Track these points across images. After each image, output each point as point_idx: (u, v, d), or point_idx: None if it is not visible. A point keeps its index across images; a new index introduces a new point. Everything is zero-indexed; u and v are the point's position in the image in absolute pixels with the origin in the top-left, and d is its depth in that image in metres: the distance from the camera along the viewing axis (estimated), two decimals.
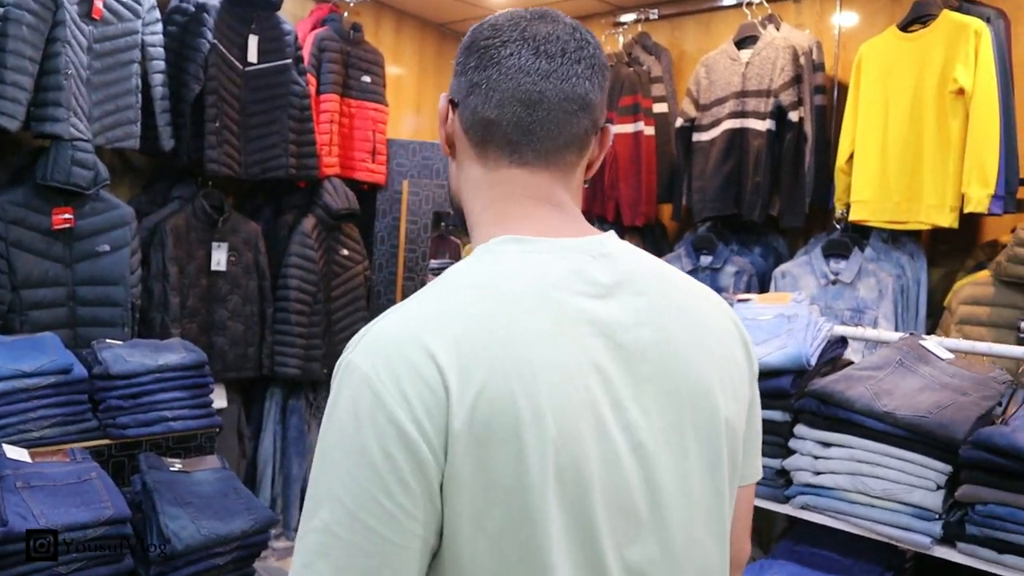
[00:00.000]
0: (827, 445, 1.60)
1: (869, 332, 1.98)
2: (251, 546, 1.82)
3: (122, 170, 3.00)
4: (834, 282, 2.91)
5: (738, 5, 3.34)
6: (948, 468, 1.46)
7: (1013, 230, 2.68)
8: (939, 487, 1.47)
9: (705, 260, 3.23)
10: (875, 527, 1.53)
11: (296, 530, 3.46)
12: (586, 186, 0.82)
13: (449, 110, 0.79)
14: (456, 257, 4.32)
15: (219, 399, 3.07)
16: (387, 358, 0.62)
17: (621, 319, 0.69)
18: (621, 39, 3.66)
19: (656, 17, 3.63)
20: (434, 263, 4.08)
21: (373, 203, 3.75)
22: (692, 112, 3.30)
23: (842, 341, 1.87)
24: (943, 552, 1.47)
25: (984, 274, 2.63)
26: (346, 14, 3.60)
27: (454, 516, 0.61)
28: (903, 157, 2.76)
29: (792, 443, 1.67)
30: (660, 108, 3.49)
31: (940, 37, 2.70)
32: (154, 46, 2.73)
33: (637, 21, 3.64)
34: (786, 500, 1.67)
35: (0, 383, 1.83)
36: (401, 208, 3.75)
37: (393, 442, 0.60)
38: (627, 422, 0.67)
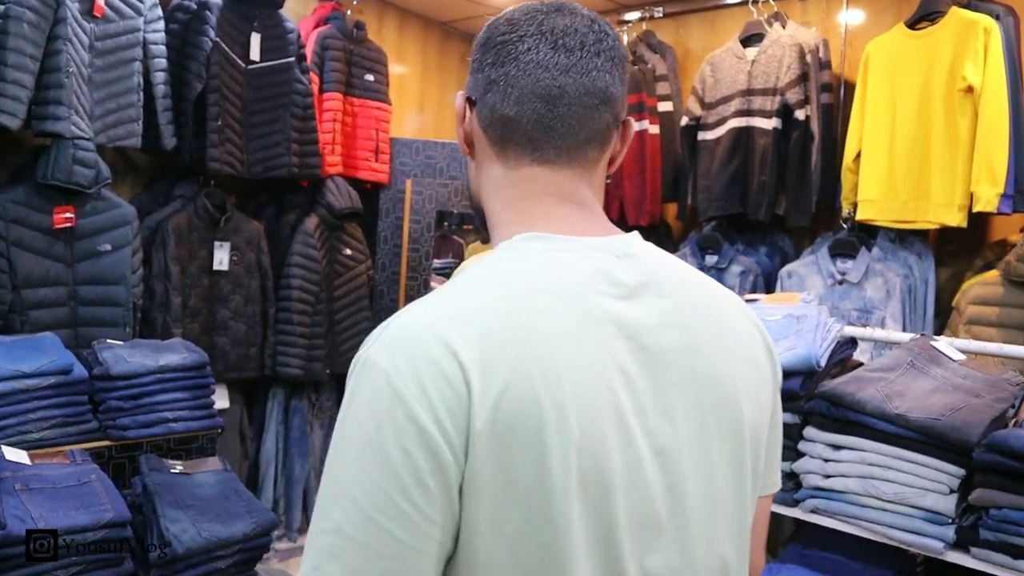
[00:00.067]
0: (837, 448, 1.58)
1: (878, 333, 1.96)
2: (253, 549, 1.80)
3: (124, 169, 2.98)
4: (841, 282, 2.88)
5: (744, 3, 3.32)
6: (961, 472, 1.43)
7: (1022, 229, 2.65)
8: (952, 491, 1.44)
9: (710, 260, 3.21)
10: (887, 531, 1.50)
11: (299, 531, 3.45)
12: (608, 181, 0.80)
13: (466, 108, 0.78)
14: (459, 257, 4.31)
15: (221, 399, 3.05)
16: (408, 354, 0.60)
17: (645, 321, 0.68)
18: (626, 37, 3.64)
19: (661, 15, 3.61)
20: (437, 263, 4.06)
21: (376, 202, 3.73)
22: (697, 111, 3.28)
23: (852, 342, 1.85)
24: (956, 557, 1.44)
25: (993, 274, 2.61)
26: (349, 12, 3.58)
27: (472, 518, 0.59)
28: (911, 156, 2.74)
29: (801, 445, 1.65)
30: (665, 107, 3.46)
31: (949, 34, 2.68)
32: (156, 44, 2.71)
33: (642, 19, 3.62)
34: (795, 503, 1.64)
35: None
36: (404, 207, 3.73)
37: (413, 441, 0.58)
38: (650, 427, 0.66)
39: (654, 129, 3.42)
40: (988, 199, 2.54)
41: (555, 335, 0.62)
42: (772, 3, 3.19)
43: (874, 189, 2.82)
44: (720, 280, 3.15)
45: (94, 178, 2.40)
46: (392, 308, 3.76)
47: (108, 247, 2.51)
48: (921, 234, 2.89)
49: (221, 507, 1.79)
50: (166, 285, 2.84)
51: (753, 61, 3.10)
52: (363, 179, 3.59)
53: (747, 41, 3.18)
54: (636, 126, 3.40)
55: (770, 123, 3.04)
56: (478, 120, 0.76)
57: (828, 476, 1.59)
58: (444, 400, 0.59)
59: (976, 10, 2.66)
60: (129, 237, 2.54)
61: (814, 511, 1.61)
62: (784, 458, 1.65)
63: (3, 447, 1.68)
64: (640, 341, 0.67)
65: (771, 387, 0.76)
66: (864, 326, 2.71)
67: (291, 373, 3.27)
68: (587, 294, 0.66)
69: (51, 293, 2.39)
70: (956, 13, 2.68)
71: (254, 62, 3.05)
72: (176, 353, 2.15)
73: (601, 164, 0.77)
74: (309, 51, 3.33)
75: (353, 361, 0.64)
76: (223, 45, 2.89)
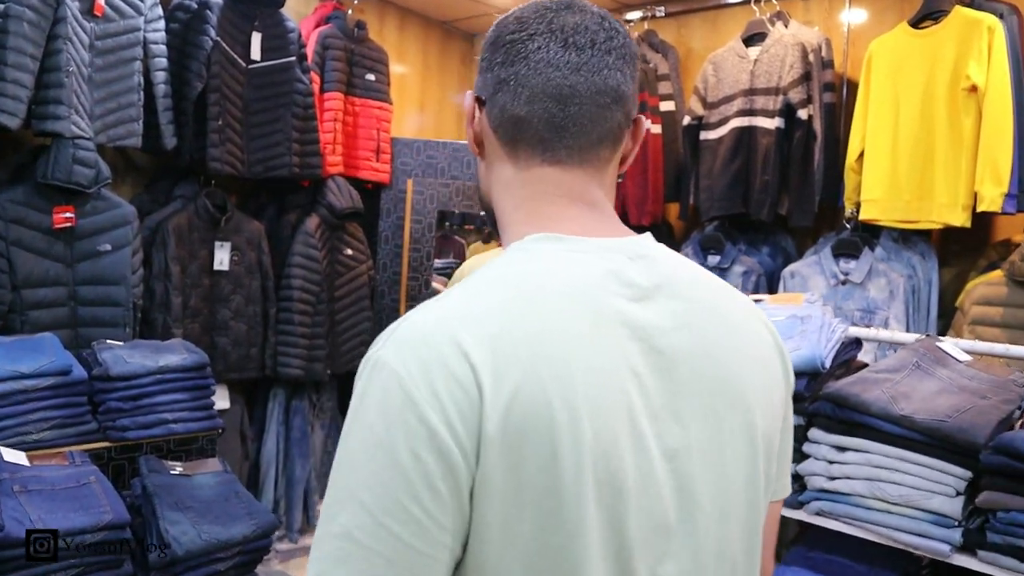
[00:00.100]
0: (842, 449, 1.56)
1: (883, 333, 1.94)
2: (253, 551, 1.79)
3: (124, 169, 2.97)
4: (844, 282, 2.87)
5: (745, 2, 3.30)
6: (968, 474, 1.42)
7: None
8: (958, 493, 1.43)
9: (713, 260, 3.19)
10: (892, 534, 1.49)
11: (300, 532, 3.44)
12: (620, 180, 0.79)
13: (476, 108, 0.77)
14: (461, 257, 4.29)
15: (221, 400, 3.04)
16: (419, 355, 0.59)
17: (659, 323, 0.66)
18: None
19: (663, 15, 3.60)
20: (438, 263, 4.05)
21: (377, 202, 3.72)
22: (699, 110, 3.27)
23: (856, 343, 1.84)
24: (963, 560, 1.43)
25: (997, 274, 2.59)
26: (350, 11, 3.57)
27: (482, 522, 0.58)
28: (914, 155, 2.72)
29: (806, 447, 1.63)
30: (667, 106, 3.45)
31: (952, 33, 2.66)
32: (156, 43, 2.71)
33: (644, 19, 3.61)
34: (800, 506, 1.63)
35: None
36: (405, 207, 3.72)
37: (423, 444, 0.57)
38: (662, 431, 0.64)
39: (656, 129, 3.41)
40: (992, 199, 2.53)
41: (567, 337, 0.61)
42: (774, 2, 3.18)
43: (877, 189, 2.80)
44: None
45: (94, 178, 2.39)
46: (393, 308, 3.76)
47: (108, 247, 2.50)
48: (924, 234, 2.88)
49: (221, 509, 1.78)
50: (166, 285, 2.83)
51: (756, 60, 3.09)
52: (364, 179, 3.58)
53: (749, 40, 3.17)
54: None
55: (773, 123, 3.03)
56: (488, 120, 0.75)
57: (833, 478, 1.57)
58: (455, 402, 0.58)
59: (980, 9, 2.65)
60: (129, 237, 2.53)
61: (819, 513, 1.60)
62: None
63: (2, 448, 1.67)
64: (653, 344, 0.66)
65: (783, 391, 0.75)
66: (867, 326, 2.69)
67: (292, 373, 3.26)
68: (600, 295, 0.65)
69: (51, 293, 2.38)
70: (960, 12, 2.66)
71: (255, 61, 3.04)
72: (176, 354, 2.14)
73: (613, 163, 0.76)
74: (310, 50, 3.32)
75: (362, 362, 0.63)
76: (224, 44, 2.88)
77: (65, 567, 1.48)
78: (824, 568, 1.66)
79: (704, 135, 3.25)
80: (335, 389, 3.67)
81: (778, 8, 3.17)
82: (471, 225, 4.45)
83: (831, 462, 1.58)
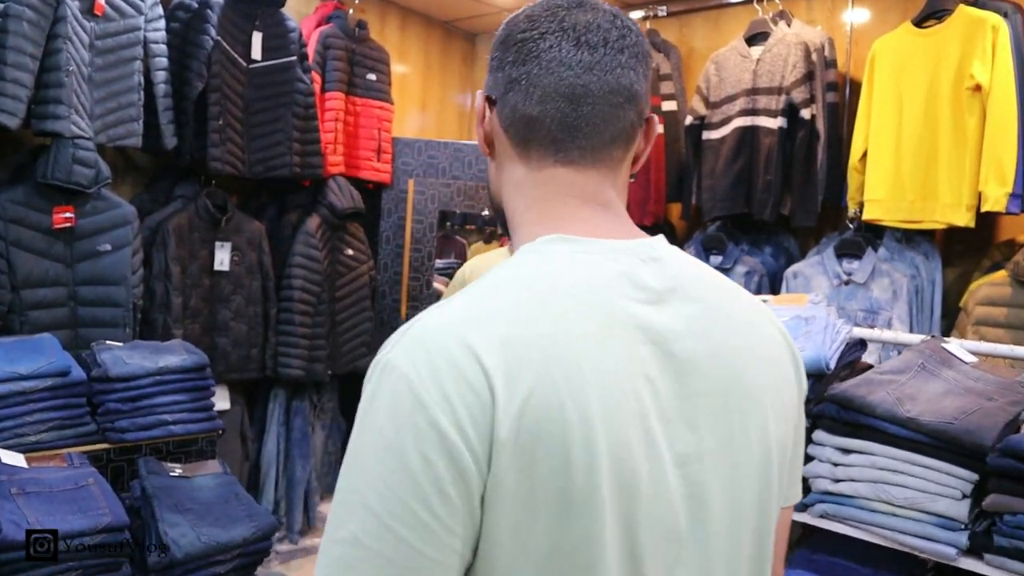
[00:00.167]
0: (847, 452, 1.55)
1: (887, 334, 1.93)
2: (253, 553, 1.77)
3: (124, 168, 2.97)
4: (847, 282, 2.86)
5: (748, 2, 3.29)
6: (974, 476, 1.41)
7: None
8: (965, 496, 1.41)
9: (715, 260, 3.18)
10: (898, 537, 1.48)
11: (300, 533, 3.43)
12: (632, 180, 0.78)
13: (486, 108, 0.76)
14: (462, 257, 4.28)
15: (222, 401, 3.03)
16: (429, 358, 0.58)
17: (672, 327, 0.65)
18: None
19: (664, 14, 3.59)
20: (440, 263, 4.04)
21: (378, 202, 3.71)
22: (702, 110, 3.25)
23: (861, 344, 1.82)
24: (969, 564, 1.42)
25: (1001, 274, 2.58)
26: (351, 11, 3.56)
27: (493, 528, 0.57)
28: (918, 155, 2.71)
29: (810, 449, 1.62)
30: (669, 106, 3.44)
31: (956, 32, 2.65)
32: (157, 43, 2.70)
33: (646, 18, 3.59)
34: (804, 508, 1.62)
35: None
36: (406, 207, 3.71)
37: (434, 448, 0.56)
38: (674, 437, 0.63)
39: (658, 128, 3.40)
40: (997, 199, 2.52)
41: (581, 341, 0.60)
42: (777, 1, 3.17)
43: (880, 189, 2.79)
44: None
45: (94, 178, 2.39)
46: (394, 309, 3.74)
47: (108, 247, 2.49)
48: (928, 234, 2.87)
49: (221, 511, 1.77)
50: (166, 286, 2.82)
51: (758, 60, 3.08)
52: (365, 179, 3.58)
53: (752, 40, 3.16)
54: None
55: (775, 122, 3.01)
56: (499, 120, 0.74)
57: (838, 480, 1.56)
58: (467, 406, 0.57)
59: (984, 8, 2.64)
60: (129, 237, 2.52)
61: (823, 516, 1.59)
62: None
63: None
64: (667, 348, 0.65)
65: (796, 396, 0.74)
66: (870, 327, 2.68)
67: (292, 374, 3.25)
68: (613, 298, 0.64)
69: (50, 293, 2.37)
70: (964, 11, 2.65)
71: (256, 61, 3.03)
72: (175, 355, 2.12)
73: (625, 164, 0.75)
74: (311, 50, 3.31)
75: (372, 365, 0.62)
76: (224, 44, 2.87)
77: (63, 570, 1.46)
78: (828, 571, 1.64)
79: (706, 135, 3.23)
80: (336, 390, 3.66)
81: (780, 7, 3.16)
82: (472, 225, 4.44)
83: (836, 464, 1.57)
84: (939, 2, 2.71)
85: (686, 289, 0.68)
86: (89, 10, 2.45)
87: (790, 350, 0.75)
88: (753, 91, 3.08)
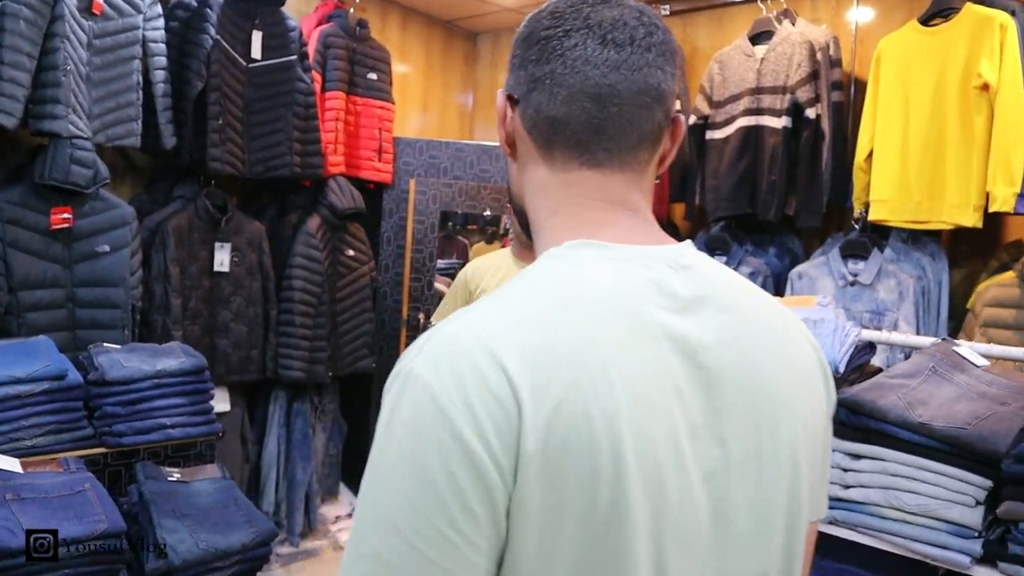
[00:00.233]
0: (857, 457, 1.52)
1: (896, 336, 1.90)
2: (252, 560, 1.75)
3: (123, 169, 2.94)
4: (852, 283, 2.83)
5: (751, 0, 3.26)
6: (988, 483, 1.38)
7: None
8: (978, 503, 1.38)
9: (719, 261, 3.14)
10: (909, 544, 1.45)
11: (301, 536, 3.41)
12: (657, 181, 0.75)
13: (507, 107, 0.73)
14: (463, 257, 4.25)
15: (222, 403, 3.01)
16: (453, 367, 0.56)
17: (702, 338, 0.63)
18: None
19: (667, 13, 3.56)
20: (441, 263, 4.01)
21: (379, 202, 3.69)
22: (705, 110, 3.23)
23: (870, 347, 1.79)
24: (983, 573, 1.39)
25: (1009, 275, 2.55)
26: (352, 10, 3.54)
27: (518, 542, 0.55)
28: (924, 155, 2.68)
29: None
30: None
31: (963, 31, 2.62)
32: (155, 42, 2.67)
33: None
34: None
35: None
36: (408, 208, 3.69)
37: (457, 462, 0.54)
38: (701, 451, 0.61)
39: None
40: (1005, 199, 2.49)
41: (609, 350, 0.58)
42: (781, 0, 3.14)
43: (887, 189, 2.76)
44: None
45: (92, 178, 2.36)
46: (395, 310, 3.72)
47: (107, 248, 2.47)
48: (934, 234, 2.84)
49: (219, 516, 1.74)
50: (166, 287, 2.80)
51: (762, 59, 3.05)
52: (366, 179, 3.55)
53: (756, 39, 3.13)
54: None
55: (780, 122, 2.99)
56: (521, 120, 0.71)
57: (848, 487, 1.53)
58: (492, 418, 0.55)
59: (992, 6, 2.61)
60: (128, 238, 2.49)
61: (832, 522, 1.56)
62: None
63: None
64: (696, 359, 0.62)
65: (824, 408, 0.72)
66: (876, 328, 2.65)
67: (293, 376, 3.22)
68: (642, 307, 0.62)
69: (48, 295, 2.35)
70: (971, 9, 2.62)
71: (255, 60, 3.00)
72: (174, 357, 2.10)
73: (652, 166, 0.72)
74: (311, 49, 3.28)
75: (392, 374, 0.60)
76: (224, 43, 2.84)
77: None
78: None
79: (710, 134, 3.21)
80: (337, 391, 3.64)
81: (784, 6, 3.13)
82: (474, 225, 4.42)
83: (845, 470, 1.54)
84: (946, 0, 2.68)
85: (716, 297, 0.66)
86: (87, 9, 2.42)
87: (819, 361, 0.73)
88: (757, 90, 3.05)
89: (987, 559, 1.40)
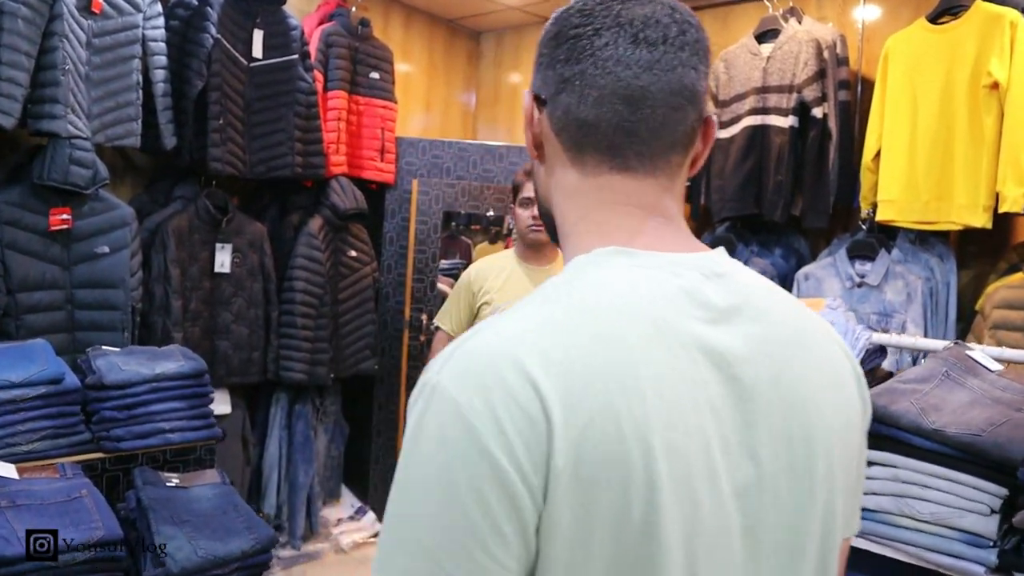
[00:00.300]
0: (868, 464, 1.49)
1: (906, 339, 1.87)
2: (252, 567, 1.72)
3: (123, 169, 2.92)
4: (859, 285, 2.80)
5: None
6: (1003, 491, 1.35)
7: None
8: (993, 511, 1.36)
9: None
10: (922, 553, 1.42)
11: (302, 539, 3.38)
12: (688, 184, 0.73)
13: (535, 108, 0.71)
14: (467, 258, 4.23)
15: (223, 405, 2.99)
16: (480, 381, 0.54)
17: (736, 349, 0.61)
18: None
19: None
20: (444, 264, 3.99)
21: (382, 203, 3.66)
22: (711, 109, 3.20)
23: (881, 350, 1.76)
24: None
25: (1018, 277, 2.53)
26: (354, 9, 3.51)
27: (548, 561, 0.54)
28: (932, 154, 2.65)
29: None
30: None
31: (973, 29, 2.59)
32: (155, 41, 2.65)
33: None
34: None
35: None
36: (410, 208, 3.66)
37: (486, 481, 0.52)
38: (734, 466, 0.59)
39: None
40: (1015, 199, 2.45)
41: (643, 364, 0.56)
42: None
43: (894, 189, 2.73)
44: None
45: (91, 178, 2.34)
46: (398, 311, 3.69)
47: (106, 249, 2.44)
48: (942, 235, 2.81)
49: (219, 523, 1.72)
50: (166, 288, 2.77)
51: (768, 58, 3.02)
52: (368, 179, 3.53)
53: (762, 37, 3.10)
54: None
55: (786, 121, 2.96)
56: (550, 122, 0.69)
57: None
58: (521, 434, 0.53)
59: (1001, 3, 2.57)
60: (128, 239, 2.47)
61: None
62: None
63: None
64: (730, 372, 0.60)
65: (860, 422, 0.70)
66: (884, 330, 2.62)
67: (295, 378, 3.20)
68: (676, 318, 0.60)
69: (47, 297, 2.32)
70: (980, 7, 2.59)
71: (256, 60, 2.98)
72: (173, 361, 2.07)
73: (684, 169, 0.70)
74: (313, 48, 3.26)
75: (417, 387, 0.58)
76: (225, 42, 2.82)
77: None
78: None
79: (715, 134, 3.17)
80: (339, 393, 3.62)
81: (791, 4, 3.10)
82: (478, 225, 4.39)
83: None
84: None
85: (750, 307, 0.64)
86: (86, 8, 2.40)
87: (853, 371, 0.70)
88: (763, 89, 3.02)
89: (1002, 569, 1.37)
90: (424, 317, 3.63)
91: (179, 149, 2.77)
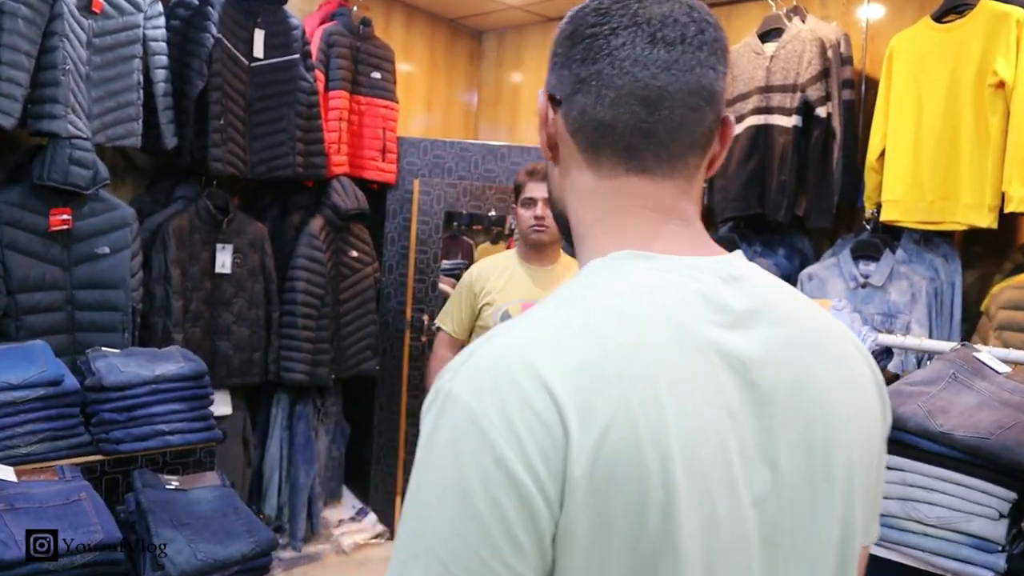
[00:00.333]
0: None
1: (911, 341, 1.85)
2: (252, 570, 1.71)
3: (124, 169, 2.91)
4: (864, 285, 2.78)
5: None
6: (1012, 495, 1.33)
7: None
8: (1002, 516, 1.34)
9: None
10: (929, 558, 1.40)
11: (303, 540, 3.37)
12: (705, 186, 0.71)
13: (549, 108, 0.70)
14: (468, 258, 4.21)
15: (223, 406, 2.98)
16: (495, 389, 0.54)
17: (754, 354, 0.60)
18: None
19: None
20: (446, 264, 3.97)
21: (383, 203, 3.65)
22: None
23: (887, 352, 1.75)
24: None
25: None
26: (355, 8, 3.50)
27: (565, 572, 0.53)
28: (937, 154, 2.64)
29: None
30: None
31: (978, 28, 2.57)
32: (156, 40, 2.64)
33: None
34: None
35: None
36: (412, 208, 3.65)
37: (501, 490, 0.51)
38: (752, 474, 0.58)
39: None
40: (1021, 199, 2.44)
41: (659, 369, 0.55)
42: None
43: (899, 188, 2.71)
44: None
45: (92, 179, 2.33)
46: (399, 311, 3.68)
47: (106, 250, 2.43)
48: (946, 235, 2.79)
49: (219, 526, 1.71)
50: (166, 289, 2.76)
51: (772, 57, 3.00)
52: (370, 179, 3.52)
53: (765, 36, 3.08)
54: None
55: (790, 121, 2.94)
56: (565, 123, 0.68)
57: None
58: (537, 442, 0.52)
59: (1008, 1, 2.56)
60: (128, 239, 2.46)
61: None
62: None
63: None
64: (748, 377, 0.59)
65: (880, 428, 0.68)
66: (888, 331, 2.60)
67: (295, 379, 3.19)
68: (693, 322, 0.59)
69: (47, 297, 2.31)
70: (986, 5, 2.57)
71: (257, 59, 2.97)
72: (173, 362, 2.06)
73: (701, 171, 0.69)
74: (314, 48, 3.25)
75: (431, 394, 0.57)
76: (225, 42, 2.81)
77: None
78: None
79: None
80: (340, 394, 3.61)
81: (794, 3, 3.08)
82: (479, 225, 4.38)
83: None
84: None
85: (768, 311, 0.63)
86: (87, 7, 2.39)
87: (874, 377, 0.69)
88: (767, 89, 3.00)
89: (1011, 574, 1.35)
90: (425, 318, 3.62)
91: (180, 149, 2.76)
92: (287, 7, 3.07)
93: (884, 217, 2.75)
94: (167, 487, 1.77)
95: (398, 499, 3.62)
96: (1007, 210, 2.48)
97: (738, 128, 3.08)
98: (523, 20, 4.18)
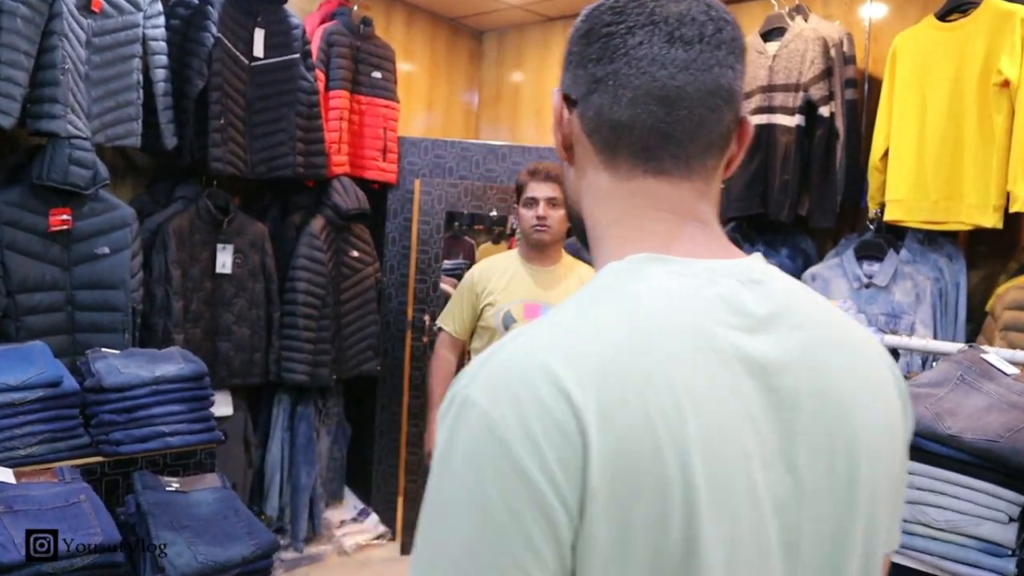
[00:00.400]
0: None
1: (917, 342, 1.84)
2: (253, 572, 1.70)
3: (124, 169, 2.90)
4: (867, 285, 2.77)
5: None
6: (1021, 499, 1.32)
7: None
8: (1011, 519, 1.33)
9: None
10: (938, 562, 1.39)
11: (305, 541, 3.36)
12: (723, 187, 0.70)
13: (564, 108, 0.68)
14: (470, 258, 4.20)
15: (224, 407, 2.96)
16: (512, 394, 0.53)
17: (775, 359, 0.58)
18: None
19: None
20: (447, 264, 3.96)
21: (384, 203, 3.64)
22: None
23: (892, 353, 1.73)
24: None
25: None
26: (356, 8, 3.49)
27: None
28: (941, 153, 2.62)
29: None
30: None
31: (982, 26, 2.56)
32: (156, 40, 2.63)
33: None
34: None
35: None
36: (413, 208, 3.64)
37: (521, 499, 0.51)
38: (773, 481, 0.57)
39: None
40: None
41: (678, 374, 0.54)
42: None
43: (903, 188, 2.70)
44: None
45: (91, 179, 2.32)
46: (400, 311, 3.67)
47: (106, 250, 2.42)
48: (951, 235, 2.78)
49: (219, 528, 1.69)
50: (167, 289, 2.75)
51: (774, 56, 2.99)
52: (370, 179, 3.51)
53: (768, 35, 3.07)
54: None
55: (793, 120, 2.92)
56: (581, 123, 0.66)
57: None
58: (556, 450, 0.51)
59: (1012, 0, 2.54)
60: (128, 240, 2.45)
61: None
62: None
63: None
64: (769, 382, 0.58)
65: (902, 433, 0.67)
66: (892, 332, 2.59)
67: (296, 379, 3.17)
68: (712, 326, 0.57)
69: (47, 298, 2.30)
70: (990, 4, 2.56)
71: (258, 59, 2.96)
72: (173, 363, 2.05)
73: (719, 172, 0.67)
74: (315, 47, 3.24)
75: (447, 399, 0.56)
76: (225, 41, 2.79)
77: None
78: None
79: None
80: (341, 394, 3.59)
81: (797, 2, 3.07)
82: (480, 225, 4.37)
83: None
84: None
85: (789, 315, 0.61)
86: (86, 7, 2.38)
87: (896, 382, 0.67)
88: (769, 88, 2.99)
89: None
90: (427, 318, 3.60)
91: (180, 149, 2.75)
92: (287, 6, 3.06)
93: (888, 217, 2.74)
94: (167, 489, 1.76)
95: (400, 500, 3.61)
96: (1012, 210, 2.46)
97: None
98: (524, 19, 4.17)
